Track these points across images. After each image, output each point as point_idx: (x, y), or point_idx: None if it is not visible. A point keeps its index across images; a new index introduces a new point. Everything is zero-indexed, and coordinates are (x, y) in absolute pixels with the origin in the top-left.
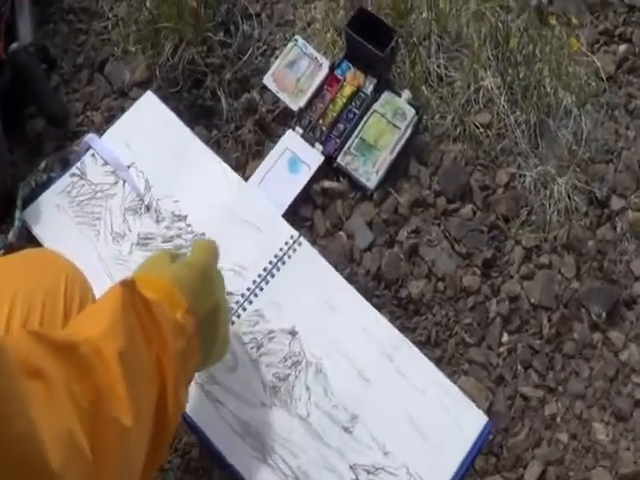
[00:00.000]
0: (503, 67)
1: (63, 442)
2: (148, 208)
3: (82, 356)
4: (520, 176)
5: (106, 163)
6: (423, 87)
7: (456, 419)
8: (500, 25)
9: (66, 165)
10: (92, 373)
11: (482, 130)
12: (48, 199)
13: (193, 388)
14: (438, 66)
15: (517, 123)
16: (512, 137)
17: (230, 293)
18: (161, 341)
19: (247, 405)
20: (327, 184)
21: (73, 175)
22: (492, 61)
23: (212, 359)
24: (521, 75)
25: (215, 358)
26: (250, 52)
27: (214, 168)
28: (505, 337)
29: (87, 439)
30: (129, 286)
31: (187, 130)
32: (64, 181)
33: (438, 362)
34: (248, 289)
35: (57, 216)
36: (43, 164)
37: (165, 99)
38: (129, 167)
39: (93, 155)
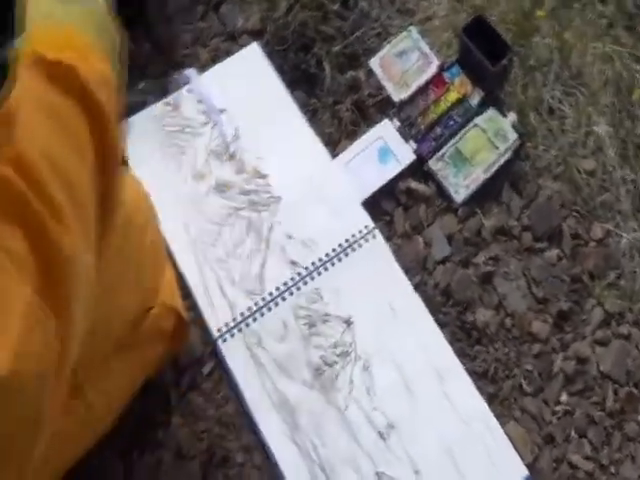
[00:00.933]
0: (620, 118)
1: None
2: (232, 157)
3: (16, 191)
4: (616, 235)
5: (200, 101)
6: (532, 114)
7: (496, 463)
8: (626, 74)
9: (163, 93)
10: (23, 205)
11: (585, 176)
12: (139, 121)
13: (241, 347)
14: (552, 97)
15: (623, 180)
16: (615, 192)
17: (295, 262)
18: (92, 107)
19: (288, 378)
20: (414, 185)
21: (167, 104)
22: (609, 108)
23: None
24: (637, 131)
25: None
26: (363, 30)
27: (304, 136)
28: (564, 397)
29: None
30: (33, 57)
31: (285, 91)
32: (158, 108)
33: (490, 399)
34: (313, 264)
35: (144, 140)
36: (141, 85)
37: (270, 55)
38: (221, 112)
39: (190, 90)
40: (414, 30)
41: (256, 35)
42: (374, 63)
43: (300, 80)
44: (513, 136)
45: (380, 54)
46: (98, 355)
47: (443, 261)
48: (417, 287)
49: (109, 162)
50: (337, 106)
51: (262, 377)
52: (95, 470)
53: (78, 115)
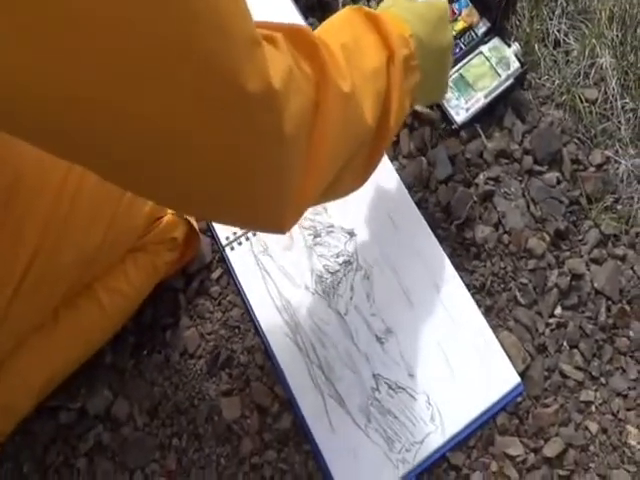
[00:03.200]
0: (623, 50)
1: (285, 75)
2: None
3: (308, 37)
4: (615, 161)
5: None
6: (537, 45)
7: (489, 369)
8: (631, 9)
9: None
10: (317, 49)
11: (587, 105)
12: None
13: (248, 254)
14: (558, 30)
15: (624, 109)
16: (615, 121)
17: None
18: (389, 47)
19: (292, 284)
20: (419, 108)
21: None
22: (614, 42)
23: (426, 96)
24: None
25: (429, 96)
26: None
27: None
28: (558, 310)
29: (311, 93)
30: (357, 7)
31: (301, 20)
32: None
33: (486, 311)
34: None
35: None
36: None
37: None
38: None
39: None
40: None
41: None
42: None
43: (314, 8)
44: (515, 64)
45: None
46: (111, 255)
47: (445, 180)
48: (419, 204)
49: (392, 100)
50: None
51: (267, 282)
52: (107, 365)
53: (379, 48)
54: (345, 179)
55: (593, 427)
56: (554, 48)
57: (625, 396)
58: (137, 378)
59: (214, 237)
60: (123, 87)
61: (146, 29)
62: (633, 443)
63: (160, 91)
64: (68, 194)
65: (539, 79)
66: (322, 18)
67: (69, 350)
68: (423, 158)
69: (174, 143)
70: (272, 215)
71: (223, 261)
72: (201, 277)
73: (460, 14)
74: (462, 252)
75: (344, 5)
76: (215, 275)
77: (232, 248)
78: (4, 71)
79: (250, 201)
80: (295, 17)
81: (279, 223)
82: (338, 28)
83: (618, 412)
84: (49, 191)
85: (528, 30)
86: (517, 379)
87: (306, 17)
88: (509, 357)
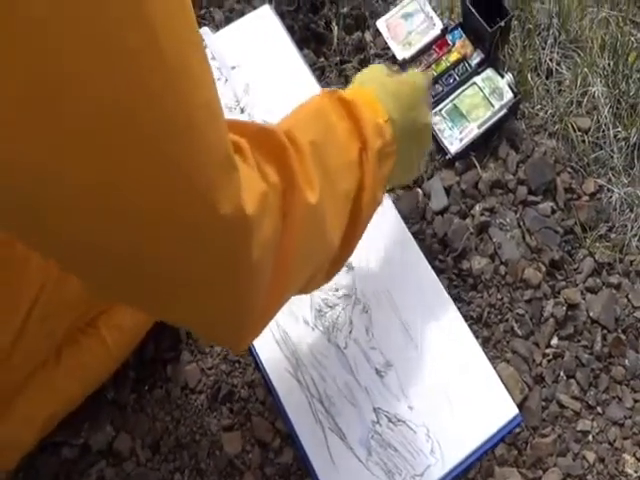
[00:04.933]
0: (614, 79)
1: (258, 198)
2: (242, 110)
3: (278, 142)
4: (608, 190)
5: (214, 58)
6: (530, 75)
7: (487, 401)
8: (622, 38)
9: None
10: (285, 154)
11: (580, 134)
12: None
13: None
14: (551, 59)
15: (616, 138)
16: (608, 150)
17: None
18: (362, 137)
19: (291, 317)
20: None
21: None
22: (605, 70)
23: (398, 178)
24: (632, 92)
25: (401, 178)
26: None
27: (312, 92)
28: (555, 340)
29: (279, 208)
30: (329, 92)
31: (295, 50)
32: None
33: (484, 342)
34: None
35: None
36: None
37: (281, 15)
38: (233, 68)
39: (204, 47)
40: None
41: None
42: (380, 24)
43: (309, 40)
44: (508, 95)
45: (387, 16)
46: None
47: (441, 212)
48: (415, 236)
49: (364, 198)
50: (344, 65)
51: None
52: (109, 401)
53: (352, 139)
54: (310, 285)
55: (590, 456)
56: (547, 77)
57: (622, 425)
58: (139, 413)
59: None
60: (101, 216)
61: (127, 151)
62: (630, 472)
63: (132, 211)
64: None
65: (532, 108)
66: (316, 49)
67: (72, 387)
68: (419, 189)
69: (141, 257)
70: (230, 334)
71: None
72: None
73: (454, 45)
74: (459, 283)
75: (338, 38)
76: None
77: None
78: None
79: (209, 319)
80: (290, 49)
81: (237, 341)
82: (309, 119)
83: (615, 441)
84: None
85: (521, 60)
86: (515, 410)
87: (301, 48)
88: (507, 388)
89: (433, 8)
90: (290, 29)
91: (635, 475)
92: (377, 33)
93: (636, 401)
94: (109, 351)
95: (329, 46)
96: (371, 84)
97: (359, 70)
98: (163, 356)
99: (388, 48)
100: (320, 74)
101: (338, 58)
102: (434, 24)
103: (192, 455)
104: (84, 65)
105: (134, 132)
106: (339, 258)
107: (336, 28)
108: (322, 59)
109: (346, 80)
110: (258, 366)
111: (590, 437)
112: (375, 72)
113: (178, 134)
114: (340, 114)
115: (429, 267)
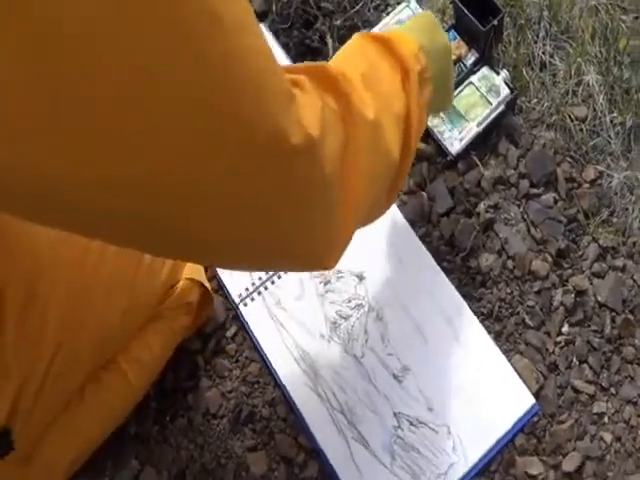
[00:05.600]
0: (607, 66)
1: (319, 117)
2: None
3: (330, 73)
4: (608, 176)
5: None
6: (524, 70)
7: (504, 395)
8: (612, 24)
9: None
10: (339, 84)
11: (577, 123)
12: None
13: (261, 308)
14: (544, 52)
15: (613, 124)
16: (605, 136)
17: None
18: (403, 67)
19: (307, 333)
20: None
21: None
22: (598, 58)
23: (437, 105)
24: (625, 77)
25: (440, 105)
26: (363, 3)
27: None
28: (565, 327)
29: (341, 127)
30: (363, 34)
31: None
32: None
33: (496, 337)
34: None
35: None
36: None
37: (276, 33)
38: None
39: None
40: (412, 1)
41: (262, 16)
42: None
43: (305, 54)
44: (505, 91)
45: (380, 25)
46: (131, 327)
47: (447, 213)
48: (423, 239)
49: (412, 119)
50: None
51: (282, 334)
52: (132, 436)
53: (393, 69)
54: (378, 204)
55: (607, 437)
56: (541, 70)
57: (635, 403)
58: (162, 444)
59: (226, 296)
60: (169, 157)
61: (190, 97)
62: None
63: (206, 157)
64: (89, 267)
65: (529, 102)
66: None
67: (95, 426)
68: (423, 193)
69: (222, 206)
70: (321, 253)
71: (237, 318)
72: (217, 337)
73: None
74: (468, 282)
75: (333, 50)
76: (230, 333)
77: (245, 304)
78: (37, 167)
79: (301, 244)
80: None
81: (327, 260)
82: (354, 57)
83: (630, 419)
84: (68, 268)
85: (515, 55)
86: (532, 400)
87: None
88: (523, 379)
89: None
90: (285, 46)
91: None
92: None
93: None
94: (130, 386)
95: (325, 59)
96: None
97: None
98: (182, 385)
99: None
100: None
101: None
102: None
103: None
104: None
105: (200, 81)
106: (397, 176)
107: (330, 41)
108: None
109: None
110: (277, 384)
111: (606, 418)
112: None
113: (240, 78)
114: (380, 50)
115: (438, 268)
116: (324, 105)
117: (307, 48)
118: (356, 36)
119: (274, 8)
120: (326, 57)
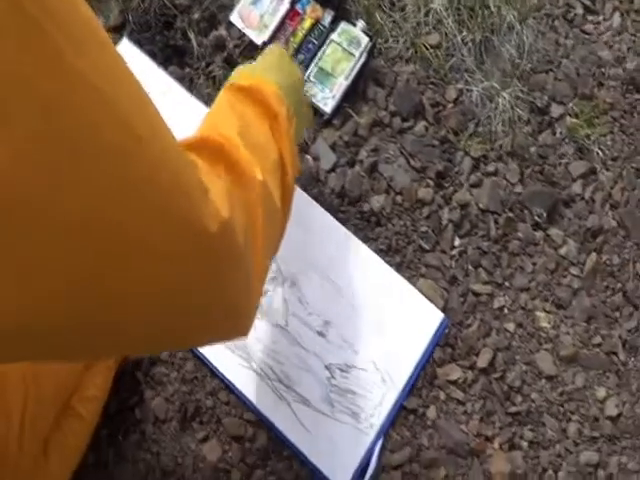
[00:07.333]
0: None
1: (226, 199)
2: None
3: (214, 142)
4: (467, 91)
5: None
6: (376, 13)
7: (416, 317)
8: None
9: None
10: (225, 152)
11: (432, 50)
12: None
13: None
14: None
15: (464, 42)
16: (459, 55)
17: None
18: (270, 113)
19: None
20: None
21: None
22: None
23: (303, 128)
24: None
25: (306, 126)
26: None
27: (189, 106)
28: (457, 241)
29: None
30: (228, 86)
31: (163, 72)
32: None
33: (398, 267)
34: None
35: None
36: None
37: (139, 43)
38: None
39: None
40: None
41: (120, 29)
42: (234, 17)
43: (172, 56)
44: (364, 40)
45: (237, 8)
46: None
47: (333, 169)
48: (317, 199)
49: (286, 161)
50: (209, 67)
51: None
52: (90, 465)
53: (261, 118)
54: (274, 250)
55: (510, 326)
56: (390, 10)
57: (528, 289)
58: (120, 463)
59: None
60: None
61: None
62: (544, 324)
63: (132, 260)
64: None
65: (386, 43)
66: (180, 62)
67: (64, 473)
68: (307, 156)
69: (149, 301)
70: (244, 322)
71: None
72: None
73: (305, 13)
74: (364, 225)
75: (197, 43)
76: None
77: None
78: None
79: (227, 318)
80: (157, 73)
81: (248, 326)
82: (226, 115)
83: (526, 304)
84: None
85: (366, 2)
86: (441, 315)
87: (166, 67)
88: (429, 299)
89: None
90: (151, 53)
91: (549, 326)
92: (230, 25)
93: (534, 264)
94: (87, 423)
95: (191, 55)
96: (247, 69)
97: (225, 69)
98: (128, 404)
99: (244, 35)
100: (189, 84)
101: (202, 63)
102: (282, 0)
103: (180, 477)
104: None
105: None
106: (283, 218)
107: (193, 35)
108: (188, 69)
109: (214, 82)
110: (214, 374)
111: (506, 310)
112: (244, 64)
113: (172, 198)
114: (245, 100)
115: (335, 221)
116: (220, 179)
117: (172, 49)
118: (223, 91)
119: (130, 18)
120: (191, 53)
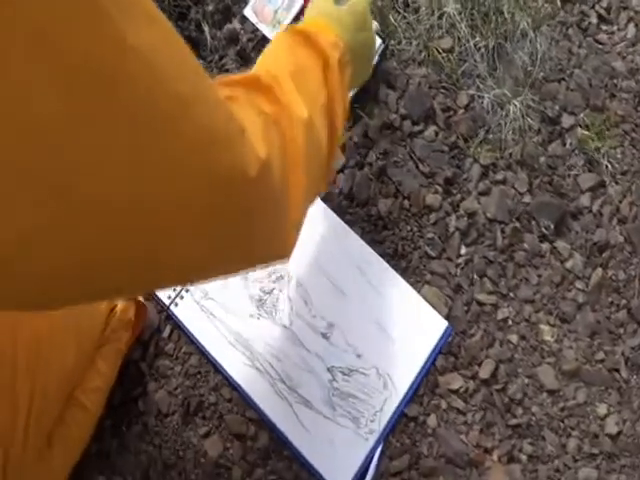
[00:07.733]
0: None
1: (260, 132)
2: None
3: (264, 82)
4: (479, 97)
5: None
6: (390, 15)
7: (419, 324)
8: None
9: None
10: (272, 91)
11: (445, 55)
12: None
13: (191, 304)
14: None
15: (477, 47)
16: (472, 61)
17: None
18: (322, 56)
19: (237, 317)
20: None
21: None
22: None
23: (362, 76)
24: (481, 1)
25: (364, 75)
26: None
27: None
28: (463, 249)
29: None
30: (287, 29)
31: None
32: None
33: (403, 273)
34: None
35: None
36: None
37: None
38: None
39: None
40: None
41: None
42: (248, 12)
43: None
44: (378, 41)
45: (251, 2)
46: (84, 361)
47: (341, 170)
48: (325, 200)
49: (336, 104)
50: (223, 60)
51: (214, 323)
52: (93, 454)
53: (315, 61)
54: (316, 190)
55: (514, 338)
56: (404, 11)
57: (532, 301)
58: (123, 453)
59: (156, 300)
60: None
61: (164, 165)
62: (547, 338)
63: (181, 206)
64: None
65: (398, 45)
66: (196, 55)
67: (67, 463)
68: None
69: (196, 234)
70: (280, 248)
71: (170, 318)
72: (155, 340)
73: None
74: (371, 228)
75: (211, 36)
76: (166, 333)
77: (176, 304)
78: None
79: (263, 250)
80: None
81: (288, 252)
82: (281, 56)
83: (530, 317)
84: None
85: (380, 3)
86: (445, 323)
87: None
88: (433, 306)
89: None
90: None
91: (552, 339)
92: (244, 18)
93: (539, 276)
94: (90, 414)
95: (204, 47)
96: (319, 17)
97: (237, 62)
98: (132, 395)
99: (257, 30)
100: None
101: (216, 56)
102: None
103: (181, 471)
104: None
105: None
106: (328, 163)
107: (207, 28)
108: (201, 62)
109: (228, 74)
110: (218, 369)
111: (509, 322)
112: (320, 4)
113: (214, 146)
114: (301, 43)
115: (342, 223)
116: (259, 113)
117: (186, 40)
118: (280, 33)
119: None
120: (205, 45)
